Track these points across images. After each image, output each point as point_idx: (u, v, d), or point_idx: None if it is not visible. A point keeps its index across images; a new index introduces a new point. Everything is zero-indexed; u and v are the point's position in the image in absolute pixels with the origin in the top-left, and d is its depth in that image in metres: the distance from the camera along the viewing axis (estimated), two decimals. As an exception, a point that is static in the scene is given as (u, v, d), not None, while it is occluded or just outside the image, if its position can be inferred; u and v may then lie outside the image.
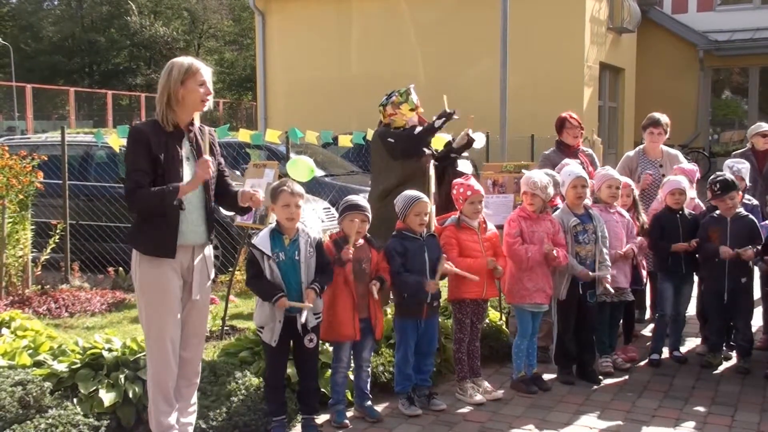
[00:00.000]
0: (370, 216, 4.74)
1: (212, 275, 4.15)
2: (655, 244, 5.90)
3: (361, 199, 4.80)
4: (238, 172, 10.22)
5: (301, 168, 5.61)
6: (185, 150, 3.90)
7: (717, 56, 21.81)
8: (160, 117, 3.84)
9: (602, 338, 5.66)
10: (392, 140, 6.12)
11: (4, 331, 5.26)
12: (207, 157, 3.84)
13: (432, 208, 5.07)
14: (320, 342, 4.54)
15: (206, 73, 3.88)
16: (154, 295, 3.87)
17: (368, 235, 4.77)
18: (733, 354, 5.94)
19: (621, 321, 5.94)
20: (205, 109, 3.95)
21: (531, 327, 5.25)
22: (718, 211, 5.79)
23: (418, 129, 6.15)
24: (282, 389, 4.48)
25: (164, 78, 3.83)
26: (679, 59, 22.02)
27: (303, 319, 4.26)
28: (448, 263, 4.86)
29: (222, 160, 4.13)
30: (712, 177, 5.85)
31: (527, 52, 16.61)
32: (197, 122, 3.99)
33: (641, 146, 7.03)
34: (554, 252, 5.14)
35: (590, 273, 5.29)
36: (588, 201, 5.61)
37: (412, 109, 6.21)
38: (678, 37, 21.95)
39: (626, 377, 5.58)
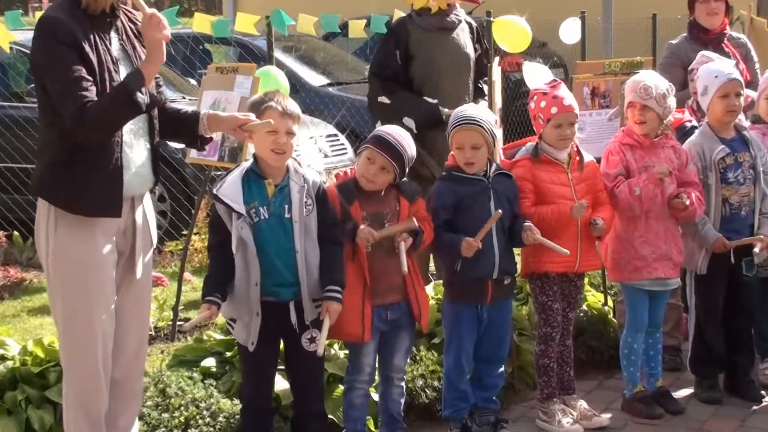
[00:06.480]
0: (399, 168, 4.58)
1: (155, 240, 4.22)
2: None
3: (404, 137, 4.64)
4: (193, 81, 10.16)
5: (273, 84, 5.73)
6: (115, 48, 3.96)
7: None
8: None
9: (766, 332, 5.64)
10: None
11: None
12: (153, 10, 3.87)
13: (499, 133, 4.97)
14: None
15: None
16: (78, 274, 3.89)
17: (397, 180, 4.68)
18: None
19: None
20: None
21: (647, 316, 5.30)
22: None
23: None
24: (267, 414, 4.53)
25: None
26: None
27: (315, 344, 4.28)
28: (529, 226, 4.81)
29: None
30: None
31: None
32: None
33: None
34: (678, 193, 5.10)
35: (729, 242, 5.26)
36: (743, 118, 5.59)
37: None
38: None
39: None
